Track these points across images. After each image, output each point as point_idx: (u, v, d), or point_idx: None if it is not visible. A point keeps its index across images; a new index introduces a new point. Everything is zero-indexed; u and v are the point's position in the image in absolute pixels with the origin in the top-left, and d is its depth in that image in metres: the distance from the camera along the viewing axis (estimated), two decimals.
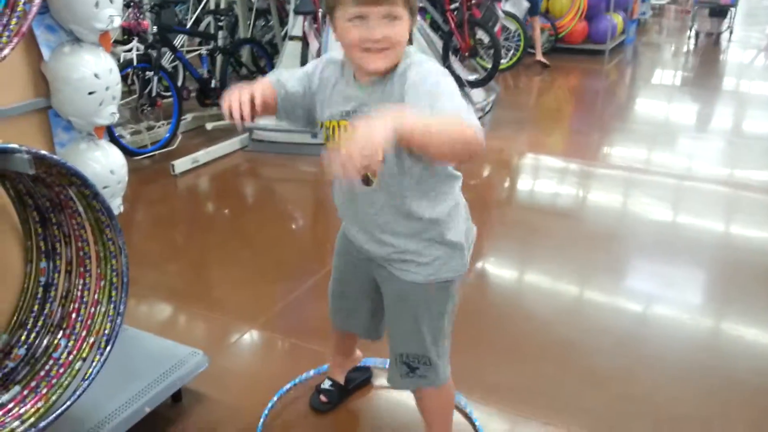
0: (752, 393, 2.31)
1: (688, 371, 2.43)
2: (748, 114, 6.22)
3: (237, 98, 1.43)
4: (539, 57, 7.69)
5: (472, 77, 5.67)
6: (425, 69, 1.39)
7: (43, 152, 1.54)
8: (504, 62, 6.65)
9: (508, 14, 6.80)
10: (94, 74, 1.97)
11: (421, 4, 5.85)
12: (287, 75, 1.62)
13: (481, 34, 5.70)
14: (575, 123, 6.21)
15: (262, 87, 1.51)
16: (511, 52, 7.18)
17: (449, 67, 5.53)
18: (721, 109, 6.39)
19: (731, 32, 8.96)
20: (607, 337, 2.66)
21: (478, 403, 2.20)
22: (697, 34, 8.78)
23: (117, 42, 5.23)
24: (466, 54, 5.65)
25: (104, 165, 2.09)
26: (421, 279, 1.60)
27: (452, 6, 5.63)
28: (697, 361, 2.51)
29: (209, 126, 5.32)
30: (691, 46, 8.96)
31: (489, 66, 5.69)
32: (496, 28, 6.00)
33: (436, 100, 1.30)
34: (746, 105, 6.53)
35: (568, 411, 2.22)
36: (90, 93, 1.97)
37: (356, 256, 1.74)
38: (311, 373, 2.34)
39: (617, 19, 8.70)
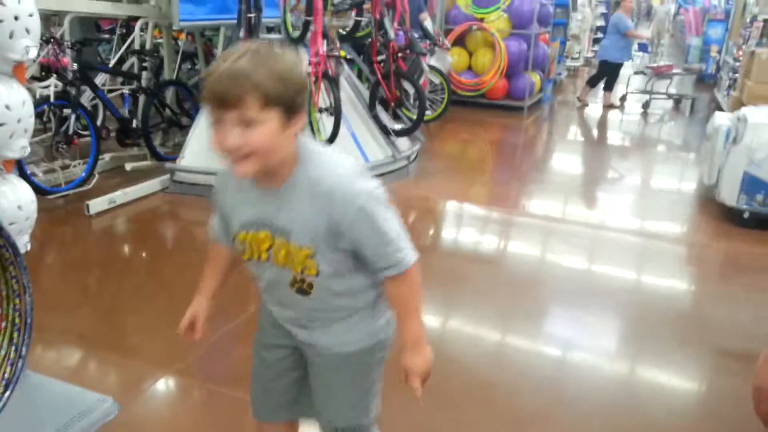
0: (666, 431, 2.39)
1: (606, 411, 2.50)
2: (655, 169, 6.62)
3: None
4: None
5: (397, 127, 5.79)
6: (348, 192, 1.31)
7: None
8: (429, 114, 6.84)
9: (432, 68, 7.03)
10: (5, 105, 1.90)
11: (349, 56, 5.97)
12: (215, 220, 1.59)
13: (407, 86, 5.86)
14: (496, 174, 6.42)
15: (204, 288, 1.64)
16: (436, 104, 7.40)
17: (375, 117, 5.64)
18: (631, 164, 6.77)
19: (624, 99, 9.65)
20: (528, 380, 2.70)
21: None
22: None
23: (35, 78, 5.06)
24: (392, 104, 5.78)
25: (12, 200, 1.99)
26: (355, 347, 1.53)
27: (379, 58, 5.77)
28: (614, 401, 2.58)
29: (128, 167, 5.17)
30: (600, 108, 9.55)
31: (414, 117, 5.83)
32: (422, 81, 6.18)
33: (378, 243, 1.37)
34: (653, 161, 6.96)
35: None
36: (0, 125, 1.89)
37: (281, 343, 1.63)
38: None
39: (535, 78, 9.15)
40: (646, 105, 9.40)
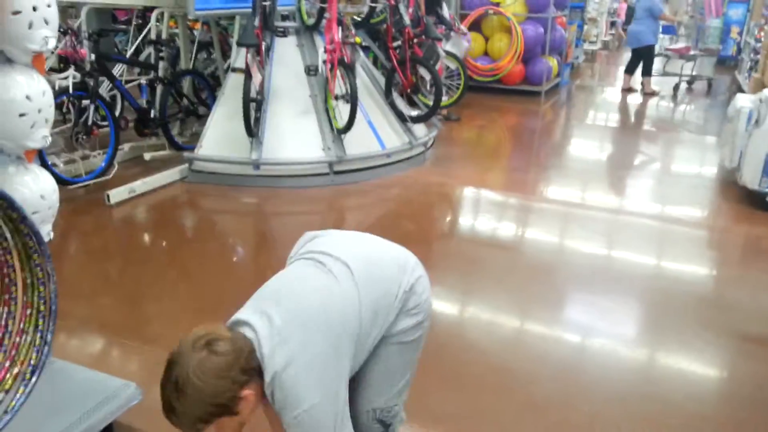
0: (687, 418, 2.37)
1: (625, 398, 2.49)
2: (675, 152, 6.54)
3: None
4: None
5: (414, 113, 5.77)
6: (290, 401, 1.42)
7: None
8: (445, 100, 6.80)
9: (449, 54, 6.98)
10: (25, 96, 1.92)
11: (365, 43, 5.94)
12: None
13: (422, 72, 5.83)
14: (514, 159, 6.38)
15: None
16: (453, 90, 7.36)
17: (392, 103, 5.62)
18: (651, 148, 6.70)
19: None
20: (546, 366, 2.69)
21: None
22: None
23: (53, 70, 5.11)
24: (408, 90, 5.76)
25: (34, 190, 2.01)
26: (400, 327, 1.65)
27: (395, 44, 5.75)
28: (634, 387, 2.56)
29: (147, 156, 5.21)
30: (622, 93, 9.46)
31: (430, 103, 5.80)
32: (438, 67, 6.14)
33: None
34: (673, 143, 6.87)
35: None
36: (21, 115, 1.91)
37: None
38: None
39: (552, 62, 9.06)
40: (676, 87, 9.41)
